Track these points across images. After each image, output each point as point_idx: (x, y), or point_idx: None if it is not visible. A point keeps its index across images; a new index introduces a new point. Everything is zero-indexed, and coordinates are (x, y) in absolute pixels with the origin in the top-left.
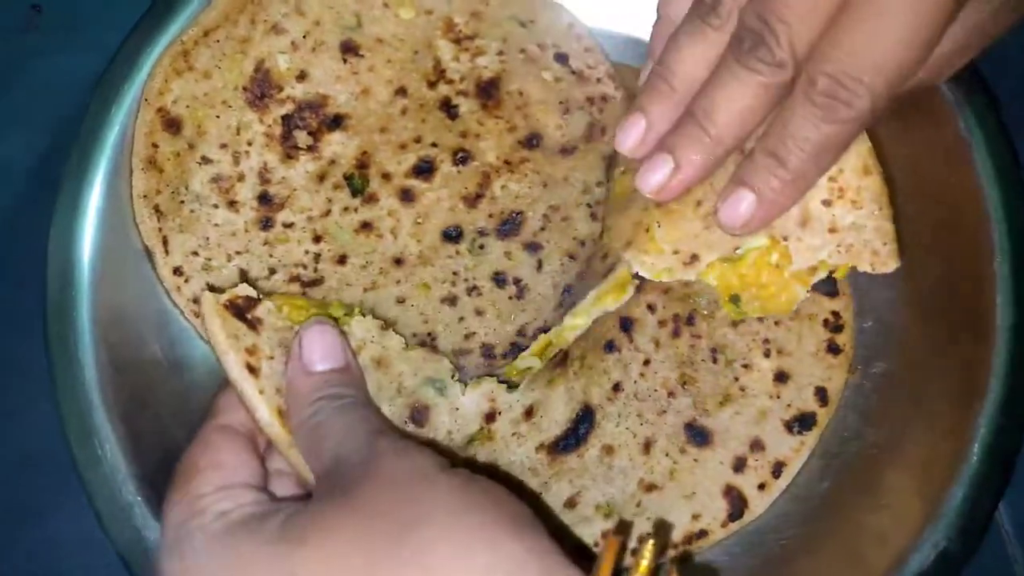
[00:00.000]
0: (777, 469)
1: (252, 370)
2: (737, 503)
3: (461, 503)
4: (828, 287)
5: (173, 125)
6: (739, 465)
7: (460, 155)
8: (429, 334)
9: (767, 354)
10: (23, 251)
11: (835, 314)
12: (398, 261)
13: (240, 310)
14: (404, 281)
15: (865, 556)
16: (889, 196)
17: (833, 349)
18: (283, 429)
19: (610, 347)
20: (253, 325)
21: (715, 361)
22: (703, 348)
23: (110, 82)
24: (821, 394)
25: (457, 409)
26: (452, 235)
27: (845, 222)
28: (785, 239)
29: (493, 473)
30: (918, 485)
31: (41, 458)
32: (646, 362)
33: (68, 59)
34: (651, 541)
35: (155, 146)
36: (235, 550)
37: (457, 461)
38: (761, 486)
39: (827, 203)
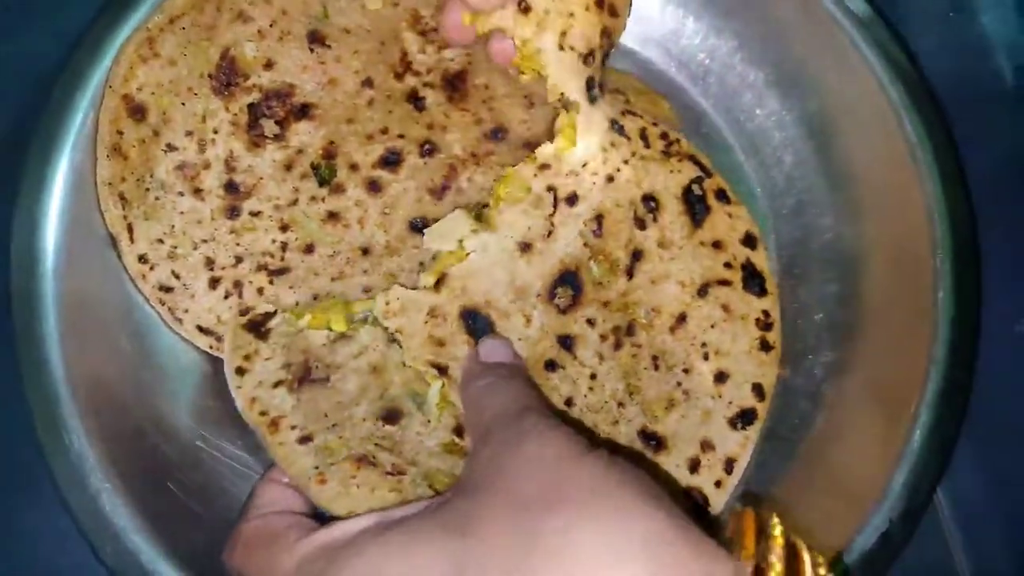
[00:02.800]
0: (728, 465)
1: (240, 371)
2: (698, 503)
3: (603, 483)
4: (757, 288)
5: (138, 112)
6: (694, 466)
7: (426, 147)
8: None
9: (706, 356)
10: None
11: (765, 313)
12: (365, 251)
13: (256, 324)
14: (371, 271)
15: (815, 538)
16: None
17: (765, 347)
18: (257, 420)
19: (551, 366)
20: (263, 335)
21: (657, 368)
22: (645, 357)
23: (75, 69)
24: (758, 390)
25: (429, 421)
26: (418, 226)
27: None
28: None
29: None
30: (863, 469)
31: (7, 448)
32: (592, 376)
33: (24, 45)
34: (777, 520)
35: (120, 133)
36: (398, 548)
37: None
38: (717, 483)
39: None
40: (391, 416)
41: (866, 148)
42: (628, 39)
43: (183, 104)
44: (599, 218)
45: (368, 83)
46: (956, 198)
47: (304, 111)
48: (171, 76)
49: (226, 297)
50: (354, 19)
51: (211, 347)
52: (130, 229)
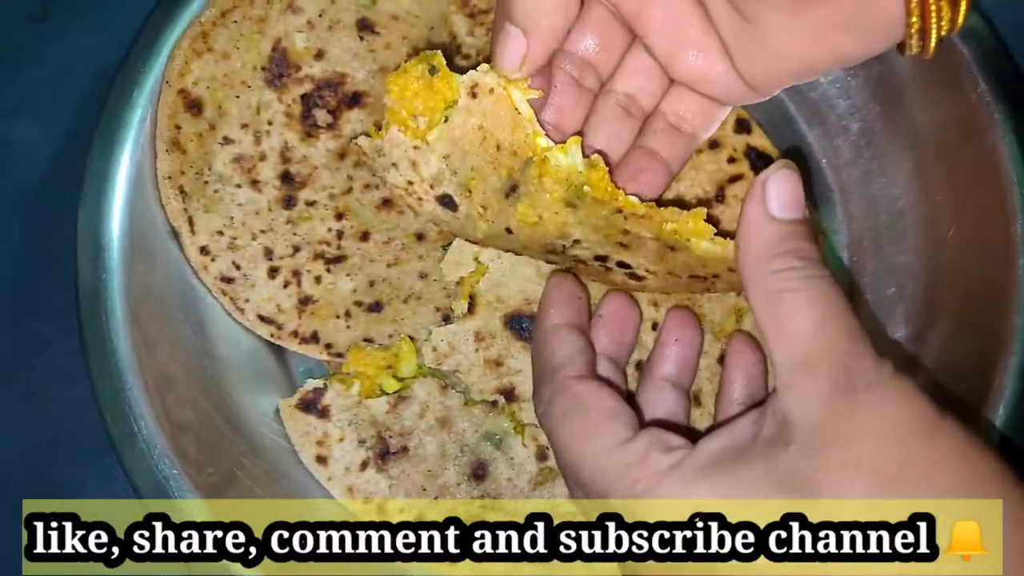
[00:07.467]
0: None
1: (321, 459)
2: None
3: (964, 467)
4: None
5: (195, 106)
6: None
7: None
8: (452, 307)
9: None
10: (48, 235)
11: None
12: (419, 236)
13: (310, 403)
14: (426, 256)
15: None
16: None
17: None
18: (363, 510)
19: None
20: (324, 414)
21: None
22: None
23: (131, 65)
24: (741, 124)
25: (512, 458)
26: None
27: None
28: None
29: None
30: None
31: (74, 437)
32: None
33: (81, 44)
34: None
35: (178, 127)
36: (729, 487)
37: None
38: None
39: None
40: (479, 471)
41: (936, 111)
42: None
43: (237, 97)
44: None
45: None
46: None
47: (356, 99)
48: (225, 70)
49: (285, 286)
50: (402, 5)
51: (272, 336)
52: (191, 222)
